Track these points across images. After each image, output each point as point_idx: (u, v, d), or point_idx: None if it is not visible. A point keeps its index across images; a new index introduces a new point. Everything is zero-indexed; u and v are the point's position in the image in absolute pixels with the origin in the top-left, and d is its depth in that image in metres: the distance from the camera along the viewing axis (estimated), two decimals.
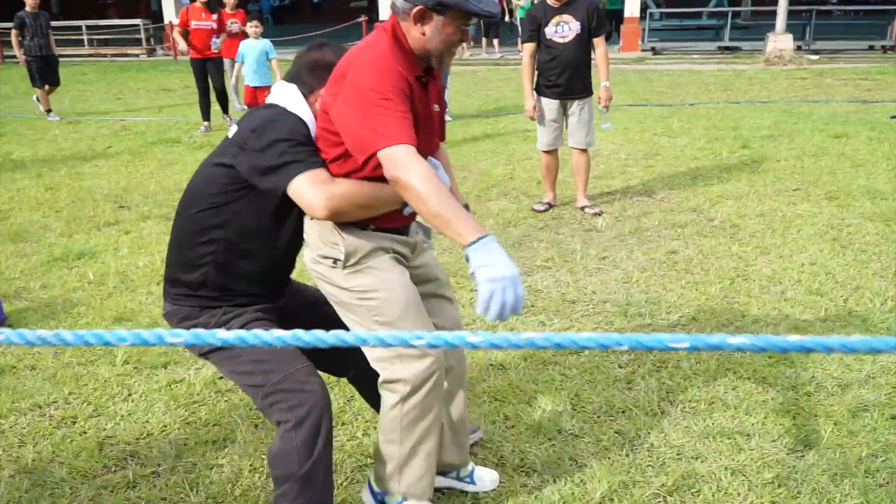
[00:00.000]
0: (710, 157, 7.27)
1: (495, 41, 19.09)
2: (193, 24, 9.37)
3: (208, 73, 9.38)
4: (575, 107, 5.54)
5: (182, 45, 9.56)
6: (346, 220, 2.09)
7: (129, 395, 3.20)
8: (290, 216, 2.17)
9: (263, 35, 8.91)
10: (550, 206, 5.83)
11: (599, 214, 5.60)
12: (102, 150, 8.58)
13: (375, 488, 2.38)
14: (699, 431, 2.86)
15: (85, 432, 2.93)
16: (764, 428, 2.86)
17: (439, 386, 2.19)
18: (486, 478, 2.57)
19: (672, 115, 9.74)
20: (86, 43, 21.57)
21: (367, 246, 2.13)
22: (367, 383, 2.41)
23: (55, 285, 4.48)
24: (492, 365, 3.40)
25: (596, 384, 3.22)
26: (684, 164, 7.04)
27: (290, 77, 2.30)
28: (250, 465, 2.69)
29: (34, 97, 10.95)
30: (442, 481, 2.54)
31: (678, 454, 2.73)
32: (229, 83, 9.95)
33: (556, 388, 3.18)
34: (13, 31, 10.28)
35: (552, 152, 5.75)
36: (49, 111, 10.66)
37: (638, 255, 4.76)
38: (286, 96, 2.22)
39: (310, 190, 2.00)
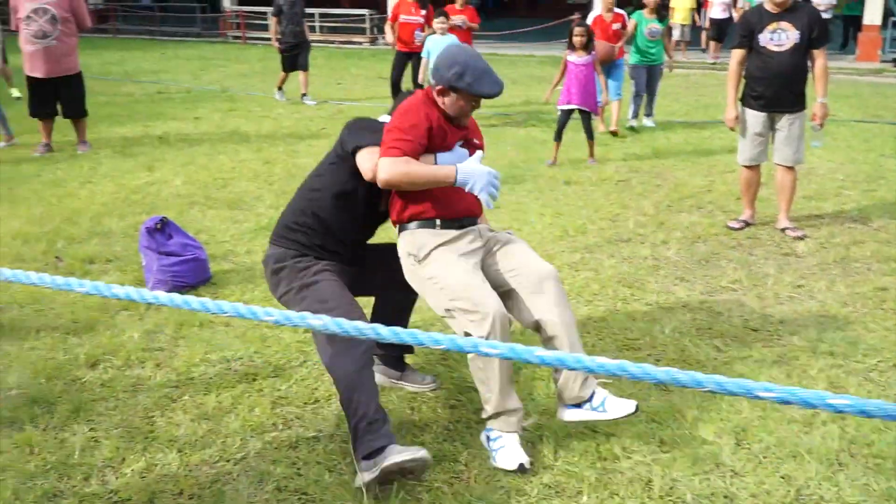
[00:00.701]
0: None
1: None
2: (402, 17, 9.79)
3: (409, 66, 9.75)
4: (784, 121, 5.17)
5: (390, 37, 10.02)
6: (395, 187, 2.79)
7: (305, 361, 3.44)
8: (361, 186, 2.88)
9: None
10: (747, 224, 5.49)
11: (802, 238, 5.19)
12: (317, 131, 9.21)
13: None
14: (880, 492, 2.58)
15: (262, 390, 3.18)
16: None
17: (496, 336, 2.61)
18: (617, 406, 2.77)
19: None
20: (317, 30, 23.17)
21: (431, 243, 2.77)
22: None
23: (258, 252, 4.89)
24: (653, 386, 3.28)
25: (768, 421, 3.00)
26: None
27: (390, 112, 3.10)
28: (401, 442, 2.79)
29: (302, 96, 11.33)
30: (577, 414, 2.81)
31: None
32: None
33: (721, 419, 3.01)
34: (272, 18, 11.13)
35: (754, 167, 5.41)
36: (280, 88, 11.49)
37: (840, 287, 4.36)
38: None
39: (366, 159, 2.79)
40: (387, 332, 1.42)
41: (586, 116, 7.37)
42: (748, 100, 5.30)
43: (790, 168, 5.29)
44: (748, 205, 5.54)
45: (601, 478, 2.65)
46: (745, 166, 5.41)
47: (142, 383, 3.21)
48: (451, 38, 8.86)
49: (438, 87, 2.83)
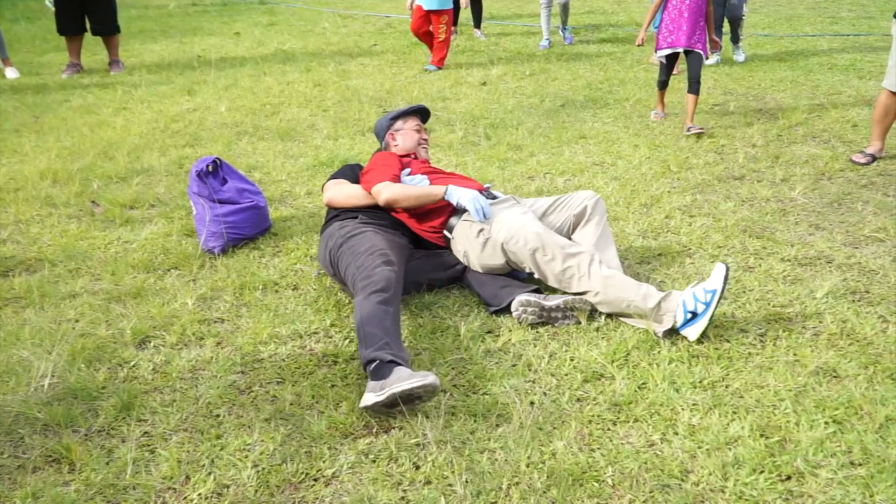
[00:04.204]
0: None
1: None
2: None
3: None
4: None
5: None
6: (395, 205, 3.18)
7: None
8: None
9: None
10: (874, 158, 4.74)
11: None
12: (368, 48, 8.45)
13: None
14: None
15: (346, 377, 2.62)
16: None
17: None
18: (712, 280, 2.89)
19: None
20: None
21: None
22: None
23: (320, 193, 4.29)
24: (821, 369, 2.67)
25: None
26: None
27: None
28: (527, 457, 2.23)
29: None
30: (698, 325, 2.77)
31: None
32: None
33: None
34: None
35: None
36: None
37: None
38: None
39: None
40: None
41: (696, 60, 5.29)
42: None
43: None
44: (878, 136, 4.77)
45: (788, 502, 2.07)
46: (891, 91, 4.61)
47: (202, 367, 2.67)
48: None
49: (387, 140, 3.54)
